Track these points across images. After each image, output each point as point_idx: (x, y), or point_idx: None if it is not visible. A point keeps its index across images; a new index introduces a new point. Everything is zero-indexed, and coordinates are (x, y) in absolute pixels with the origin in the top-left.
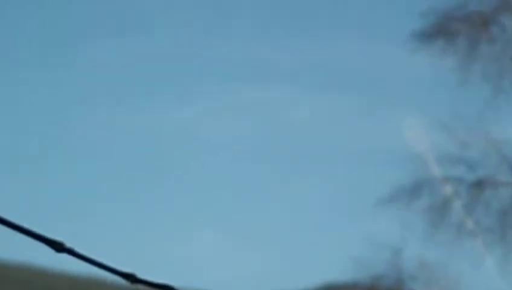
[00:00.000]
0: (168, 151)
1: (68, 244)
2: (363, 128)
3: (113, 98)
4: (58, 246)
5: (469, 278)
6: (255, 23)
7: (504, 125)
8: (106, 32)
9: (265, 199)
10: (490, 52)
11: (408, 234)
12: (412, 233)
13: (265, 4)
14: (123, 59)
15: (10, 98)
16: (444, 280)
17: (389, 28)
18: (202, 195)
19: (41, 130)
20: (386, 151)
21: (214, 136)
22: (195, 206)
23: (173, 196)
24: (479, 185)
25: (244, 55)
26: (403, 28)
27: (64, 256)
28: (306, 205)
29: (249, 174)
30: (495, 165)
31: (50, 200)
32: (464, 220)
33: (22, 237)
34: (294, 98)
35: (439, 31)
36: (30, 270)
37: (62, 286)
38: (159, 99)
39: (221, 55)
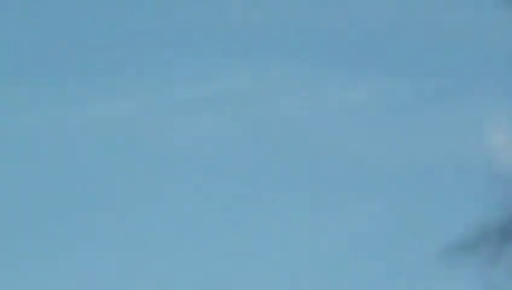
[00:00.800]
0: (121, 160)
1: None
2: (422, 131)
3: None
4: None
5: None
6: None
7: None
8: None
9: (272, 240)
10: None
11: None
12: None
13: None
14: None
15: None
16: None
17: None
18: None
19: None
20: (459, 168)
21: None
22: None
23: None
24: None
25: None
26: None
27: None
28: (336, 249)
29: (243, 203)
30: None
31: None
32: None
33: None
34: (317, 81)
35: None
36: None
37: None
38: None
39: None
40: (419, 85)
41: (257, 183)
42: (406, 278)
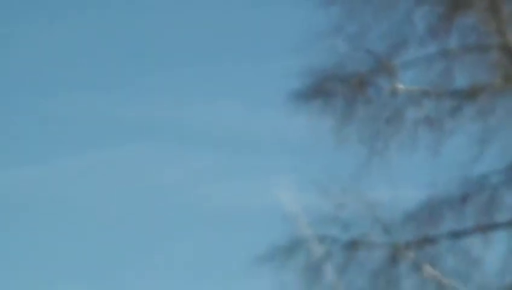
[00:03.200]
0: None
1: None
2: (236, 190)
3: None
4: None
5: None
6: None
7: (377, 187)
8: None
9: (131, 267)
10: (366, 113)
11: None
12: None
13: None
14: None
15: None
16: None
17: (266, 91)
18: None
19: None
20: (261, 212)
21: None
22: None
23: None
24: (352, 245)
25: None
26: (280, 90)
27: None
28: (182, 268)
29: (111, 243)
30: (368, 226)
31: None
32: (337, 281)
33: None
34: (163, 157)
35: (317, 91)
36: None
37: None
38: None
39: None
40: (233, 162)
41: None
42: (231, 280)
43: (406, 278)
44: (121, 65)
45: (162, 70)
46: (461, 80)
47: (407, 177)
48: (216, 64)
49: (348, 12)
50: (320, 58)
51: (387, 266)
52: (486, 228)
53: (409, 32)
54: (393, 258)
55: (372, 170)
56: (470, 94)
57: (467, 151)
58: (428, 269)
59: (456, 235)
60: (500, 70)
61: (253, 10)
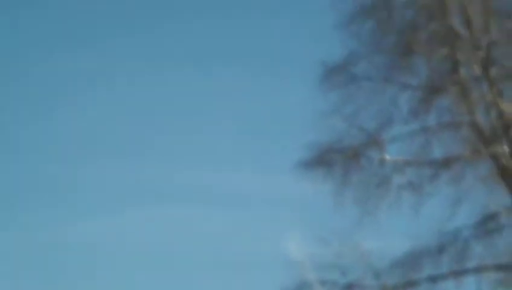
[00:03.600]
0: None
1: None
2: (251, 239)
3: None
4: None
5: None
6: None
7: (369, 239)
8: None
9: None
10: (359, 179)
11: None
12: None
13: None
14: None
15: None
16: None
17: (278, 161)
18: None
19: None
20: (272, 258)
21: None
22: None
23: None
24: (349, 287)
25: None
26: (289, 160)
27: None
28: None
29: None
30: (362, 271)
31: None
32: None
33: None
34: (194, 216)
35: (319, 161)
36: None
37: None
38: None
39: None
40: (251, 218)
41: None
42: None
43: None
44: (146, 137)
45: (180, 136)
46: (438, 151)
47: (393, 231)
48: (236, 139)
49: (344, 96)
50: (322, 134)
51: None
52: (459, 273)
53: (394, 112)
54: None
55: (364, 225)
56: (445, 164)
57: (442, 210)
58: None
59: (434, 279)
60: (470, 144)
61: (268, 98)
